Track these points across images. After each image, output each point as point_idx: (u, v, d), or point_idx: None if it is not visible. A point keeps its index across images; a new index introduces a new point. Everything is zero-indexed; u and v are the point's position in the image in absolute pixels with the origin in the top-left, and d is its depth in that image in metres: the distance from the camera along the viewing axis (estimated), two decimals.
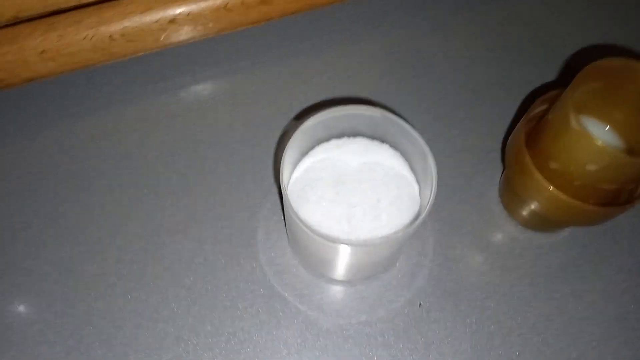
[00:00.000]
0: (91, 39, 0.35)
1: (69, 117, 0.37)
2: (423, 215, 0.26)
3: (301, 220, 0.26)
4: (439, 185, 0.34)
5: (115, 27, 0.35)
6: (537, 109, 0.31)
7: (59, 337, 0.31)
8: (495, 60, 0.39)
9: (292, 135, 0.28)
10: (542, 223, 0.33)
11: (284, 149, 0.27)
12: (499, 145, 0.36)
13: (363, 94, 0.38)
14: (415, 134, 0.28)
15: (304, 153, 0.31)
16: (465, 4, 0.42)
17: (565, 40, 0.40)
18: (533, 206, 0.31)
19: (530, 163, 0.29)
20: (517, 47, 0.40)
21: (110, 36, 0.35)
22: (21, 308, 0.32)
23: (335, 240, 0.27)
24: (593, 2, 0.42)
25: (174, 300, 0.32)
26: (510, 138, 0.32)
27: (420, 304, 0.32)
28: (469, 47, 0.40)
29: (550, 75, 0.38)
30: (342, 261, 0.29)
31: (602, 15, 0.42)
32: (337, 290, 0.32)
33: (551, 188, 0.28)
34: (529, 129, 0.30)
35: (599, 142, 0.25)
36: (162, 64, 0.39)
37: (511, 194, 0.33)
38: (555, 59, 0.39)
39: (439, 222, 0.34)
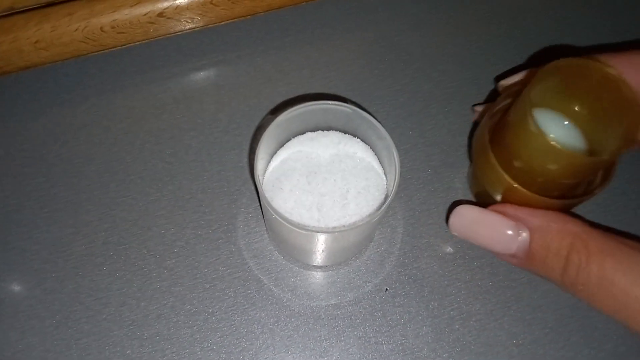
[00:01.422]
0: (83, 30, 0.36)
1: (60, 104, 0.39)
2: (385, 204, 0.28)
3: (273, 209, 0.28)
4: (409, 179, 0.36)
5: (106, 20, 0.37)
6: (501, 103, 0.32)
7: (48, 312, 0.33)
8: (469, 57, 0.41)
9: (266, 129, 0.30)
10: None
11: (257, 142, 0.29)
12: (468, 140, 0.38)
13: (341, 88, 0.40)
14: (382, 129, 0.30)
15: (281, 144, 0.33)
16: (443, 4, 0.43)
17: (538, 39, 0.42)
18: (499, 199, 0.32)
19: (495, 161, 0.29)
20: (490, 45, 0.42)
21: (101, 28, 0.37)
22: (13, 285, 0.34)
23: (304, 228, 0.29)
24: (567, 2, 0.44)
25: (156, 281, 0.34)
26: (475, 133, 0.33)
27: (386, 289, 0.34)
28: (445, 44, 0.42)
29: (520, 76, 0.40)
30: (313, 247, 0.31)
31: (575, 14, 0.43)
32: (309, 275, 0.34)
33: (515, 185, 0.29)
34: (493, 124, 0.31)
35: (557, 145, 0.25)
36: (150, 55, 0.41)
37: (478, 187, 0.34)
38: (526, 57, 0.41)
39: (409, 212, 0.36)
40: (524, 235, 0.27)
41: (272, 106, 0.39)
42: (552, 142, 0.25)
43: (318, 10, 0.43)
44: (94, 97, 0.39)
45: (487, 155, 0.30)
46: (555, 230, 0.26)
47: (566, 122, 0.28)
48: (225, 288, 0.34)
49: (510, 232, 0.27)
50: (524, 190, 0.28)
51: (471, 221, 0.29)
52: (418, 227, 0.35)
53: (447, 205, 0.36)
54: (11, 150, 0.37)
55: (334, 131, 0.33)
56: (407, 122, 0.38)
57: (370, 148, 0.33)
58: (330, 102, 0.31)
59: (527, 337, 0.33)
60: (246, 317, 0.33)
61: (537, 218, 0.27)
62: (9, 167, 0.37)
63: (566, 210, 0.30)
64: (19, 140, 0.38)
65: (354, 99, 0.39)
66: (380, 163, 0.32)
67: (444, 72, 0.40)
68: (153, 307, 0.33)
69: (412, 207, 0.36)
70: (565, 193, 0.29)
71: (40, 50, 0.36)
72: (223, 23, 0.40)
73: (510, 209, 0.28)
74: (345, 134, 0.33)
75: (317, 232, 0.29)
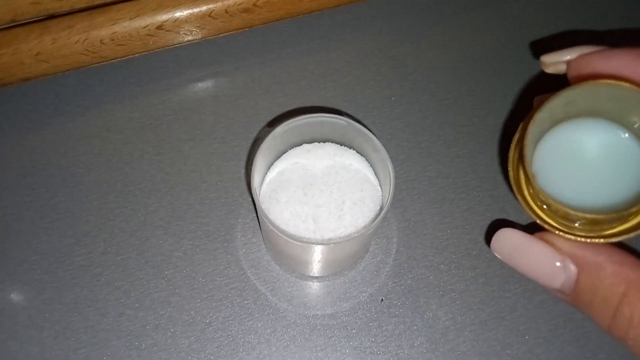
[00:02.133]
0: (83, 42, 0.37)
1: (60, 115, 0.40)
2: (380, 216, 0.29)
3: (269, 220, 0.29)
4: (404, 189, 0.37)
5: (106, 32, 0.37)
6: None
7: (47, 322, 0.33)
8: (465, 69, 0.42)
9: (263, 141, 0.30)
10: None
11: (254, 154, 0.30)
12: (463, 152, 0.38)
13: (338, 99, 0.40)
14: (377, 141, 0.30)
15: (278, 156, 0.34)
16: (439, 16, 0.44)
17: (534, 53, 0.42)
18: None
19: (524, 192, 0.25)
20: (486, 57, 0.42)
21: (100, 40, 0.37)
22: (12, 295, 0.34)
23: (300, 240, 0.29)
24: (561, 14, 0.44)
25: (154, 291, 0.34)
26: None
27: (382, 299, 0.34)
28: (441, 56, 0.42)
29: (516, 87, 0.41)
30: (309, 258, 0.32)
31: (575, 25, 0.44)
32: (305, 285, 0.35)
33: (538, 221, 0.24)
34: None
35: (561, 206, 0.22)
36: (149, 67, 0.41)
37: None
38: (522, 71, 0.41)
39: (404, 222, 0.36)
40: (571, 272, 0.23)
41: (269, 117, 0.40)
42: (553, 201, 0.22)
43: (315, 22, 0.43)
44: (94, 108, 0.40)
45: (518, 183, 0.25)
46: (607, 273, 0.22)
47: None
48: (223, 298, 0.34)
49: (557, 265, 0.23)
50: (546, 224, 0.23)
51: (514, 248, 0.25)
52: (413, 238, 0.36)
53: (441, 217, 0.36)
54: (11, 161, 0.38)
55: (330, 143, 0.33)
56: (403, 133, 0.39)
57: (366, 159, 0.33)
58: (326, 115, 0.31)
59: (521, 348, 0.33)
60: (243, 328, 0.33)
61: (589, 253, 0.23)
62: (9, 177, 0.37)
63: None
64: (19, 150, 0.38)
65: (350, 110, 0.40)
66: (375, 174, 0.33)
67: (440, 84, 0.41)
68: (151, 317, 0.33)
69: (408, 218, 0.36)
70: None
71: (41, 62, 0.37)
72: (221, 35, 0.40)
73: (559, 240, 0.24)
74: (341, 145, 0.33)
75: (313, 243, 0.29)
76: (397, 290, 0.34)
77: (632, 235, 0.22)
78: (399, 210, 0.36)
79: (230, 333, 0.33)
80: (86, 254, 0.35)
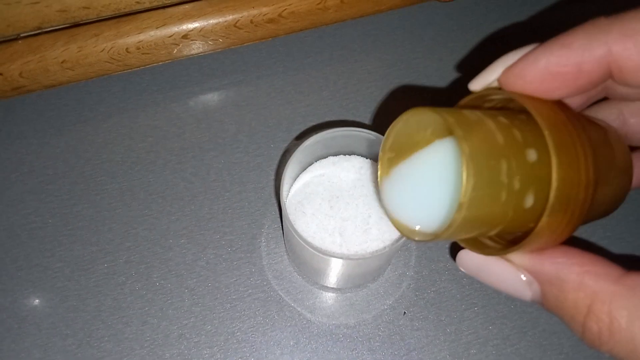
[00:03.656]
0: (109, 51, 0.37)
1: (83, 122, 0.40)
2: None
3: (298, 233, 0.29)
4: None
5: (132, 40, 0.37)
6: None
7: (70, 330, 0.33)
8: None
9: (292, 153, 0.30)
10: None
11: (284, 166, 0.30)
12: None
13: (360, 110, 0.40)
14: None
15: (303, 168, 0.34)
16: (459, 26, 0.44)
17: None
18: None
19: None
20: None
21: (126, 49, 0.37)
22: (36, 302, 0.34)
23: (327, 253, 0.29)
24: None
25: (177, 300, 0.34)
26: None
27: (404, 312, 0.34)
28: (462, 67, 0.42)
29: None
30: (334, 271, 0.32)
31: None
32: (328, 297, 0.35)
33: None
34: None
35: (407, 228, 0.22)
36: (172, 75, 0.41)
37: None
38: None
39: None
40: (535, 288, 0.22)
41: (292, 127, 0.40)
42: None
43: (337, 33, 0.43)
44: (116, 116, 0.40)
45: None
46: (569, 287, 0.21)
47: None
48: (246, 308, 0.34)
49: (522, 280, 0.22)
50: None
51: (477, 268, 0.24)
52: (435, 251, 0.36)
53: None
54: (34, 168, 0.38)
55: (355, 156, 0.34)
56: None
57: None
58: (354, 128, 0.31)
59: None
60: (266, 338, 0.33)
61: (547, 267, 0.21)
62: (32, 184, 0.37)
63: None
64: (42, 157, 0.38)
65: (371, 121, 0.40)
66: None
67: (463, 96, 0.41)
68: (174, 326, 0.34)
69: None
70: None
71: (66, 70, 0.37)
72: (244, 45, 0.40)
73: (519, 256, 0.22)
74: (367, 159, 0.34)
75: (340, 258, 0.29)
76: (420, 304, 0.34)
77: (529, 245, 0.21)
78: None
79: (253, 344, 0.33)
80: (109, 262, 0.35)
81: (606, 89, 0.24)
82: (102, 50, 0.37)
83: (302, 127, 0.40)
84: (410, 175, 0.23)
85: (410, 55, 0.43)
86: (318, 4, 0.39)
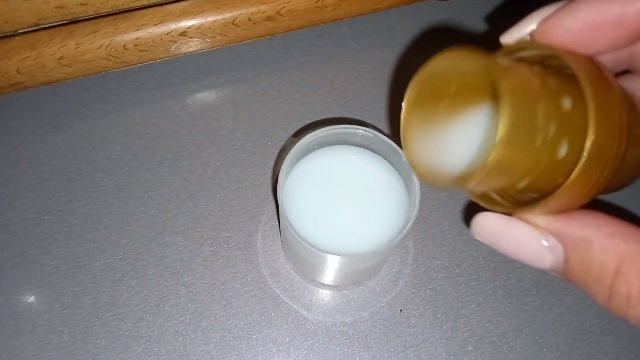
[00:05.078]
0: (106, 47, 0.37)
1: (80, 119, 0.40)
2: (405, 230, 0.29)
3: (295, 230, 0.29)
4: (423, 200, 0.37)
5: (130, 37, 0.37)
6: None
7: (66, 327, 0.33)
8: None
9: (289, 151, 0.30)
10: None
11: (281, 163, 0.30)
12: None
13: (358, 108, 0.40)
14: (402, 153, 0.30)
15: (301, 165, 0.34)
16: (459, 24, 0.44)
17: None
18: None
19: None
20: None
21: (124, 46, 0.37)
22: (32, 299, 0.34)
23: (324, 250, 0.29)
24: None
25: (173, 297, 0.34)
26: None
27: (401, 310, 0.34)
28: None
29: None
30: (330, 268, 0.32)
31: None
32: (325, 294, 0.35)
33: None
34: None
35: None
36: (169, 72, 0.41)
37: None
38: None
39: (423, 233, 0.36)
40: (558, 252, 0.21)
41: (289, 125, 0.40)
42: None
43: (335, 31, 0.43)
44: (113, 113, 0.40)
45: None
46: (596, 249, 0.20)
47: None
48: (242, 305, 0.34)
49: (543, 245, 0.21)
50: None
51: (495, 232, 0.23)
52: (432, 249, 0.36)
53: (460, 228, 0.37)
54: (31, 164, 0.38)
55: (355, 152, 0.34)
56: None
57: (392, 172, 0.33)
58: (352, 126, 0.31)
59: None
60: (262, 335, 0.33)
61: (574, 229, 0.20)
62: (28, 181, 0.37)
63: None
64: (38, 154, 0.38)
65: (370, 119, 0.40)
66: (401, 187, 0.33)
67: None
68: (170, 323, 0.34)
69: (427, 229, 0.37)
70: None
71: (63, 67, 0.37)
72: (242, 42, 0.40)
73: (541, 218, 0.22)
74: (366, 154, 0.34)
75: (337, 254, 0.29)
76: (416, 301, 0.34)
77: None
78: (418, 221, 0.37)
79: (249, 341, 0.33)
80: (106, 259, 0.35)
81: (631, 60, 0.23)
82: (99, 47, 0.37)
83: (299, 125, 0.40)
84: (440, 118, 0.23)
85: (408, 54, 0.43)
86: (316, 2, 0.39)
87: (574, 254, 0.20)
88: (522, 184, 0.20)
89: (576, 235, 0.20)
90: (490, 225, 0.23)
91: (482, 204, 0.22)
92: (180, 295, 0.34)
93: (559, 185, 0.19)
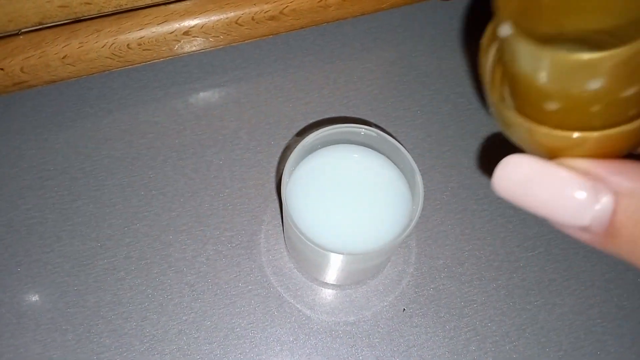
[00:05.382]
0: (110, 46, 0.37)
1: (83, 118, 0.40)
2: (409, 229, 0.29)
3: (298, 229, 0.29)
4: (426, 199, 0.37)
5: (133, 37, 0.37)
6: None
7: (70, 325, 0.33)
8: None
9: (293, 150, 0.30)
10: None
11: (285, 163, 0.30)
12: (485, 163, 0.39)
13: (361, 107, 0.41)
14: (406, 153, 0.30)
15: (304, 164, 0.34)
16: (461, 24, 0.44)
17: None
18: None
19: (523, 122, 0.19)
20: None
21: (127, 45, 0.37)
22: (35, 297, 0.34)
23: (327, 249, 0.29)
24: None
25: (177, 296, 0.34)
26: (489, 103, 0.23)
27: (404, 309, 0.34)
28: (462, 66, 0.42)
29: None
30: (333, 267, 0.32)
31: None
32: (328, 293, 0.35)
33: (569, 134, 0.18)
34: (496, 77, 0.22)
35: (581, 56, 0.16)
36: (173, 71, 0.41)
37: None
38: None
39: (425, 233, 0.36)
40: (606, 201, 0.17)
41: (292, 125, 0.40)
42: (572, 56, 0.16)
43: (338, 31, 0.43)
44: (117, 112, 0.40)
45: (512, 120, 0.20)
46: None
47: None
48: (245, 304, 0.34)
49: (583, 196, 0.17)
50: (586, 134, 0.18)
51: (525, 180, 0.19)
52: (435, 248, 0.36)
53: (462, 227, 0.37)
54: (34, 163, 0.38)
55: (359, 151, 0.34)
56: (425, 143, 0.39)
57: (395, 171, 0.33)
58: (356, 125, 0.31)
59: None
60: (266, 334, 0.33)
61: (629, 176, 0.17)
62: (32, 180, 0.37)
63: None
64: (42, 153, 0.38)
65: (373, 119, 0.40)
66: (403, 184, 0.33)
67: (462, 94, 0.41)
68: (174, 322, 0.34)
69: (430, 228, 0.37)
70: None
71: (67, 66, 0.37)
72: (245, 42, 0.40)
73: (584, 162, 0.18)
74: (370, 154, 0.34)
75: (341, 253, 0.29)
76: (419, 301, 0.35)
77: None
78: (421, 221, 0.37)
79: (252, 340, 0.33)
80: (109, 257, 0.35)
81: None
82: (103, 46, 0.37)
83: (303, 124, 0.40)
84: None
85: (411, 54, 0.43)
86: (319, 1, 0.39)
87: (625, 203, 0.17)
88: (631, 91, 0.17)
89: (629, 184, 0.17)
90: (523, 171, 0.19)
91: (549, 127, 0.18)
92: (184, 294, 0.34)
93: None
